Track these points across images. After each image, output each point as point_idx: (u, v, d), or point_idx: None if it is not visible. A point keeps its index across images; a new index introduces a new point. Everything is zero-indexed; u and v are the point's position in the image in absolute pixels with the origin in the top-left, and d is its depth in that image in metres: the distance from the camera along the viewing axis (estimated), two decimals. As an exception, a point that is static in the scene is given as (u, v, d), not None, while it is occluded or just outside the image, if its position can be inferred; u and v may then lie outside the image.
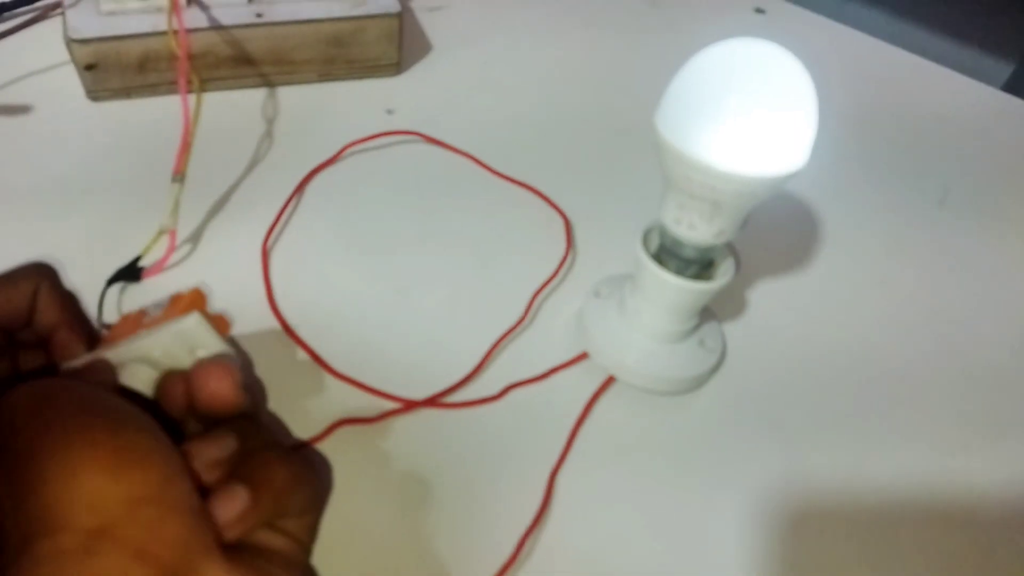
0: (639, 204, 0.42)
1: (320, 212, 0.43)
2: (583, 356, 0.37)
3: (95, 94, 0.46)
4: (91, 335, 0.29)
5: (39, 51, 0.48)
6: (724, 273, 0.34)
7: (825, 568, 0.32)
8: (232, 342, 0.33)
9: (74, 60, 0.44)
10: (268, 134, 0.46)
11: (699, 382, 0.37)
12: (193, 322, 0.27)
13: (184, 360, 0.28)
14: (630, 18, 0.61)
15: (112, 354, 0.27)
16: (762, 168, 0.28)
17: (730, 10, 0.64)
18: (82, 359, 0.27)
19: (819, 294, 0.43)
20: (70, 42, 0.43)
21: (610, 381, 0.36)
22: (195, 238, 0.40)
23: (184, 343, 0.27)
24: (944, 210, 0.49)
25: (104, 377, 0.26)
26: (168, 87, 0.46)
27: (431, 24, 0.56)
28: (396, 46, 0.50)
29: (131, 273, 0.37)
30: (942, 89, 0.59)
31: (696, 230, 0.31)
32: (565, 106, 0.52)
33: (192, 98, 0.38)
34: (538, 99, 0.52)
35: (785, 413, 0.37)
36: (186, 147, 0.38)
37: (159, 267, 0.38)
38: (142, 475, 0.21)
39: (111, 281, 0.37)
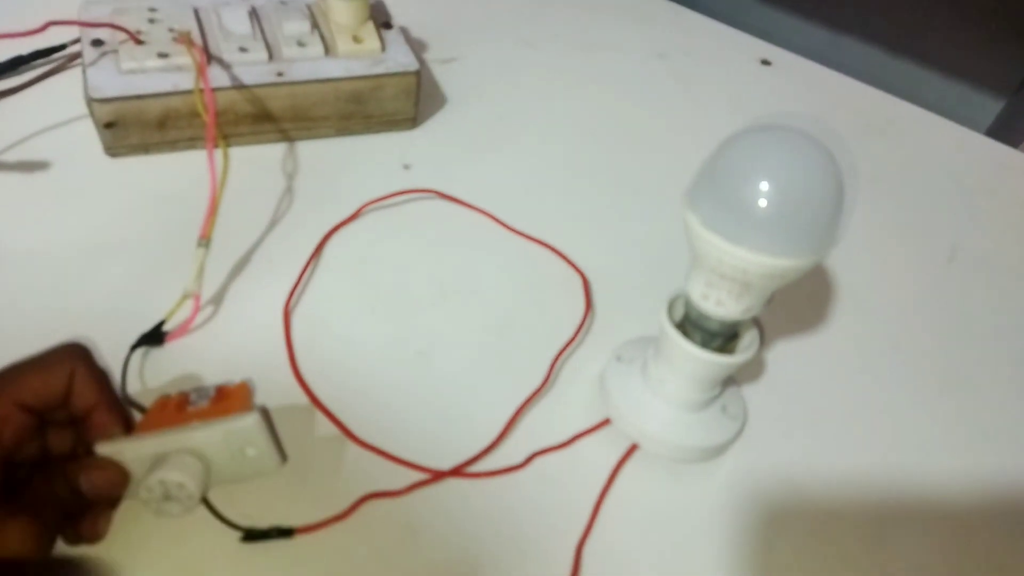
0: (656, 262, 0.43)
1: (340, 272, 0.43)
2: (606, 422, 0.37)
3: (113, 150, 0.46)
4: (126, 416, 0.29)
5: (55, 104, 0.48)
6: (749, 346, 0.34)
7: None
8: (265, 414, 0.34)
9: (94, 118, 0.44)
10: (288, 190, 0.46)
11: (722, 449, 0.37)
12: (252, 423, 0.27)
13: (231, 456, 0.28)
14: (638, 71, 0.62)
15: (157, 442, 0.27)
16: (795, 253, 0.29)
17: (737, 62, 0.65)
18: (119, 441, 0.27)
19: (835, 356, 0.43)
20: (91, 101, 0.43)
21: (634, 448, 0.37)
22: (217, 300, 0.40)
23: (237, 441, 0.28)
24: (953, 267, 0.50)
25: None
26: (187, 143, 0.46)
27: (444, 77, 0.57)
28: (413, 102, 0.50)
29: (154, 338, 0.37)
30: (942, 141, 0.60)
31: (724, 307, 0.32)
32: (576, 160, 0.53)
33: (218, 158, 0.39)
34: (550, 153, 0.53)
35: (807, 480, 0.37)
36: (213, 211, 0.38)
37: (183, 331, 0.38)
38: None
39: (135, 346, 0.37)
